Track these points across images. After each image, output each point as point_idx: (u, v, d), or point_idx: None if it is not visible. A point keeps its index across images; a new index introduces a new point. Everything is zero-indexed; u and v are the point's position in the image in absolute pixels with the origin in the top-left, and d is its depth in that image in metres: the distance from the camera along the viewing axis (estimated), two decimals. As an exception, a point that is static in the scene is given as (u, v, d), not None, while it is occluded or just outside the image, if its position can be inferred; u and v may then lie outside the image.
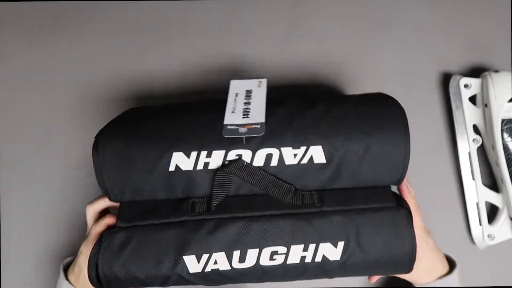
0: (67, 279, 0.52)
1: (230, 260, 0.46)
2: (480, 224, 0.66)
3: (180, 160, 0.47)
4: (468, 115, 0.66)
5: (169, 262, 0.46)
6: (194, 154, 0.47)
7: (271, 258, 0.46)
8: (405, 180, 0.51)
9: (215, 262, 0.46)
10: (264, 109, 0.48)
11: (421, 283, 0.53)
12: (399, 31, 0.73)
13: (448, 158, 0.69)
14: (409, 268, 0.48)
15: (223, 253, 0.46)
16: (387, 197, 0.50)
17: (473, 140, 0.66)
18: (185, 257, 0.46)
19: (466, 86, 0.66)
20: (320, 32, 0.73)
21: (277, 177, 0.48)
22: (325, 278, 0.50)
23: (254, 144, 0.47)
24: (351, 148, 0.47)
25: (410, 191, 0.54)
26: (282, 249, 0.46)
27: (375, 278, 0.59)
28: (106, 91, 0.71)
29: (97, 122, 0.65)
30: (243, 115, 0.48)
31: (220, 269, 0.46)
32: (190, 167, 0.47)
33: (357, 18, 0.74)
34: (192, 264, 0.46)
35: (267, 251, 0.46)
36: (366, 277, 0.65)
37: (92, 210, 0.54)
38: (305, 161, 0.47)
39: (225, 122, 0.47)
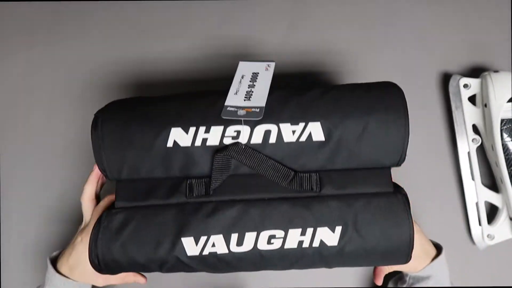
0: (57, 271, 0.51)
1: (228, 243, 0.46)
2: (480, 224, 0.66)
3: (179, 136, 0.47)
4: (467, 115, 0.66)
5: (168, 244, 0.46)
6: (192, 129, 0.47)
7: (269, 242, 0.46)
8: None
9: (213, 245, 0.46)
10: (267, 94, 0.49)
11: (416, 269, 0.54)
12: (399, 31, 0.73)
13: (447, 158, 0.69)
14: (407, 257, 0.48)
15: (221, 236, 0.46)
16: (385, 181, 0.50)
17: (473, 140, 0.66)
18: (183, 239, 0.46)
19: (465, 86, 0.66)
20: (319, 32, 0.73)
21: (276, 160, 0.48)
22: (324, 268, 0.50)
23: (252, 121, 0.47)
24: (350, 126, 0.47)
25: None
26: (279, 233, 0.46)
27: (380, 278, 0.58)
28: (106, 91, 0.71)
29: (97, 122, 0.65)
30: (245, 97, 0.49)
31: (218, 252, 0.46)
32: (188, 143, 0.47)
33: (357, 18, 0.74)
34: (190, 246, 0.46)
35: (264, 235, 0.46)
36: (364, 276, 0.65)
37: (86, 199, 0.54)
38: (303, 138, 0.47)
39: (226, 103, 0.48)
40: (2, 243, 0.67)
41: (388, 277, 0.59)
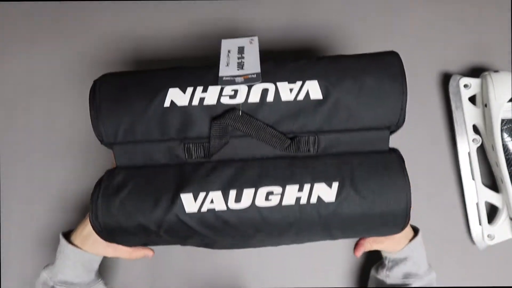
0: (70, 242, 0.52)
1: (226, 199, 0.46)
2: (480, 224, 0.66)
3: (176, 96, 0.47)
4: (467, 115, 0.66)
5: (167, 201, 0.46)
6: (190, 89, 0.48)
7: (267, 199, 0.46)
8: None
9: (212, 201, 0.46)
10: (259, 61, 0.49)
11: (395, 249, 0.55)
12: (399, 31, 0.73)
13: (448, 158, 0.69)
14: (405, 219, 0.47)
15: (219, 192, 0.46)
16: (382, 142, 0.50)
17: (473, 140, 0.66)
18: (182, 195, 0.46)
19: (465, 86, 0.66)
20: (319, 32, 0.73)
21: (273, 127, 0.48)
22: (325, 238, 0.50)
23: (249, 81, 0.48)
24: (347, 84, 0.48)
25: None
26: (277, 189, 0.46)
27: (360, 251, 0.58)
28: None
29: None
30: (238, 67, 0.48)
31: (216, 209, 0.46)
32: (186, 103, 0.47)
33: (357, 18, 0.74)
34: (189, 202, 0.46)
35: (262, 191, 0.46)
36: (361, 277, 0.65)
37: None
38: (301, 97, 0.47)
39: (221, 74, 0.48)
40: (2, 243, 0.67)
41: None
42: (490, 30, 0.73)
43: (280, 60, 0.50)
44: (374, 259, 0.63)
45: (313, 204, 0.46)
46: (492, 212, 0.67)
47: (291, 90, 0.47)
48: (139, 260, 0.60)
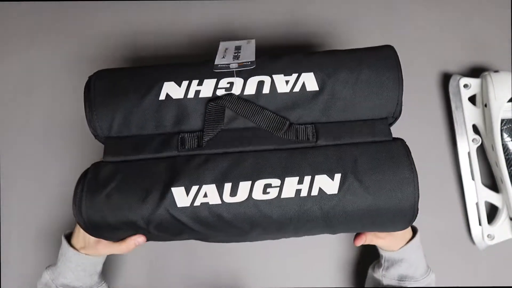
0: (71, 246, 0.52)
1: (221, 193, 0.44)
2: (480, 224, 0.66)
3: (171, 89, 0.47)
4: (467, 115, 0.66)
5: (156, 195, 0.44)
6: (185, 83, 0.47)
7: (265, 192, 0.44)
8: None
9: (205, 195, 0.44)
10: (254, 54, 0.49)
11: (392, 248, 0.55)
12: (399, 30, 0.73)
13: (448, 158, 0.69)
14: (413, 211, 0.45)
15: (213, 186, 0.44)
16: (383, 131, 0.49)
17: (473, 140, 0.66)
18: (173, 189, 0.44)
19: (465, 86, 0.66)
20: (318, 32, 0.73)
21: (271, 110, 0.48)
22: (327, 232, 0.49)
23: (245, 73, 0.47)
24: (343, 75, 0.47)
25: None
26: (275, 181, 0.44)
27: (361, 241, 0.54)
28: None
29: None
30: (234, 59, 0.49)
31: (210, 203, 0.44)
32: (181, 95, 0.47)
33: (357, 18, 0.74)
34: (181, 196, 0.44)
35: (260, 184, 0.44)
36: (360, 277, 0.65)
37: None
38: (297, 89, 0.47)
39: (216, 62, 0.48)
40: (2, 243, 0.67)
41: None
42: (490, 30, 0.73)
43: (276, 55, 0.50)
44: (374, 259, 0.63)
45: (315, 197, 0.44)
46: (492, 212, 0.67)
47: (287, 82, 0.47)
48: (139, 260, 0.60)
